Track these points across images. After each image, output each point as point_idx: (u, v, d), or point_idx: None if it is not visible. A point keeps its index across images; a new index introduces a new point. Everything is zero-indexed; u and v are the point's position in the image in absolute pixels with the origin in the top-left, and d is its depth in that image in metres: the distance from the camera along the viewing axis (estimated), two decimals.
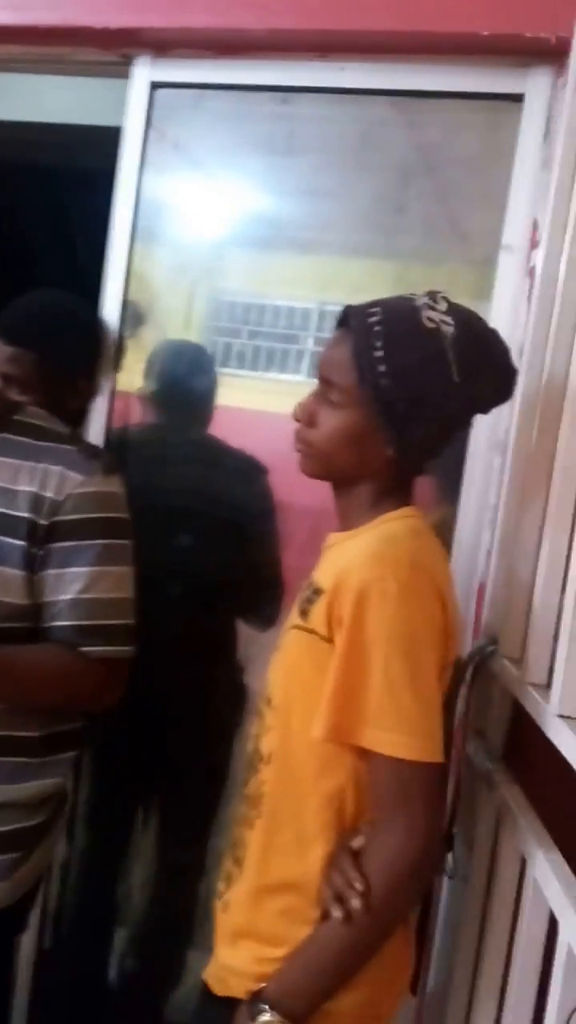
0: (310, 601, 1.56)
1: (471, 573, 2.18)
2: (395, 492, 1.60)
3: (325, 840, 1.52)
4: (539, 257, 1.97)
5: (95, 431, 2.53)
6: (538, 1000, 1.59)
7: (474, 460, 2.21)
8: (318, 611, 1.52)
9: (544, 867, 1.56)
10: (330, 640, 1.50)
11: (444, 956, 2.03)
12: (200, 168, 2.54)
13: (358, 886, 1.42)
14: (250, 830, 1.61)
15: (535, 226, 2.12)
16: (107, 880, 2.71)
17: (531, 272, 2.09)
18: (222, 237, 2.55)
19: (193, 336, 2.60)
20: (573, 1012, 1.38)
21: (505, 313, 2.16)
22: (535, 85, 2.17)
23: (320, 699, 1.46)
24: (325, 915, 1.46)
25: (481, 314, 1.61)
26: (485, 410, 1.64)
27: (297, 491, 2.36)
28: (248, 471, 2.49)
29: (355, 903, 1.42)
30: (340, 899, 1.44)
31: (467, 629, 2.06)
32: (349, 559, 1.50)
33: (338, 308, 1.62)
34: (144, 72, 2.48)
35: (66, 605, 1.84)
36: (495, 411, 1.67)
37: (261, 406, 2.51)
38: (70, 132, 3.19)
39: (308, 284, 2.51)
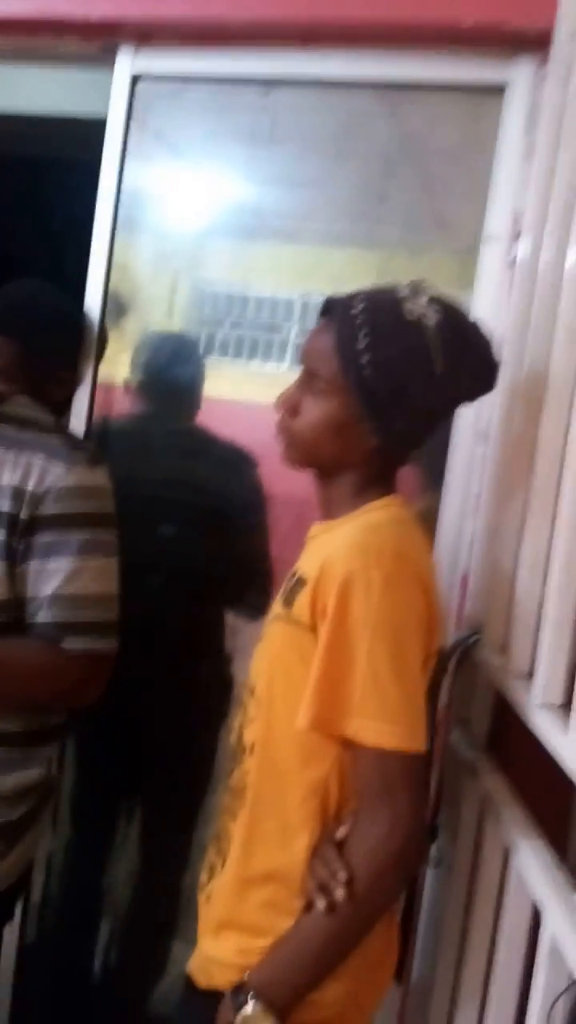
0: (294, 591, 1.55)
1: (455, 563, 2.18)
2: (378, 482, 1.60)
3: (309, 831, 1.52)
4: (521, 247, 1.97)
5: (77, 422, 2.52)
6: (522, 989, 1.60)
7: (457, 450, 2.20)
8: (302, 601, 1.52)
9: (528, 857, 1.56)
10: (314, 630, 1.49)
11: (428, 946, 2.03)
12: (183, 158, 2.53)
13: (342, 876, 1.42)
14: (233, 821, 1.61)
15: (517, 216, 2.12)
16: (91, 872, 2.70)
17: (513, 262, 2.09)
18: (205, 227, 2.55)
19: (176, 326, 2.60)
20: (556, 1001, 1.38)
21: (487, 303, 2.17)
22: (517, 75, 2.17)
23: (304, 689, 1.46)
24: (309, 906, 1.46)
25: (463, 304, 1.62)
26: (468, 401, 1.64)
27: (280, 481, 2.36)
28: (237, 462, 2.49)
29: (339, 893, 1.41)
30: (324, 889, 1.44)
31: (451, 619, 2.06)
32: (333, 549, 1.50)
33: (321, 298, 1.62)
34: (126, 63, 2.47)
35: (47, 599, 1.82)
36: (478, 401, 1.67)
37: (244, 396, 2.51)
38: (52, 123, 3.17)
39: (291, 274, 2.50)
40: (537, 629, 1.60)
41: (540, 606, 1.61)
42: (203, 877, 1.70)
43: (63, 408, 2.49)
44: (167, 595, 2.54)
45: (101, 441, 2.53)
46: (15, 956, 2.63)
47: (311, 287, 2.45)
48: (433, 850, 1.91)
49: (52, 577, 1.82)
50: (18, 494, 1.81)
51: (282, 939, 1.49)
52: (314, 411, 1.56)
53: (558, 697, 1.50)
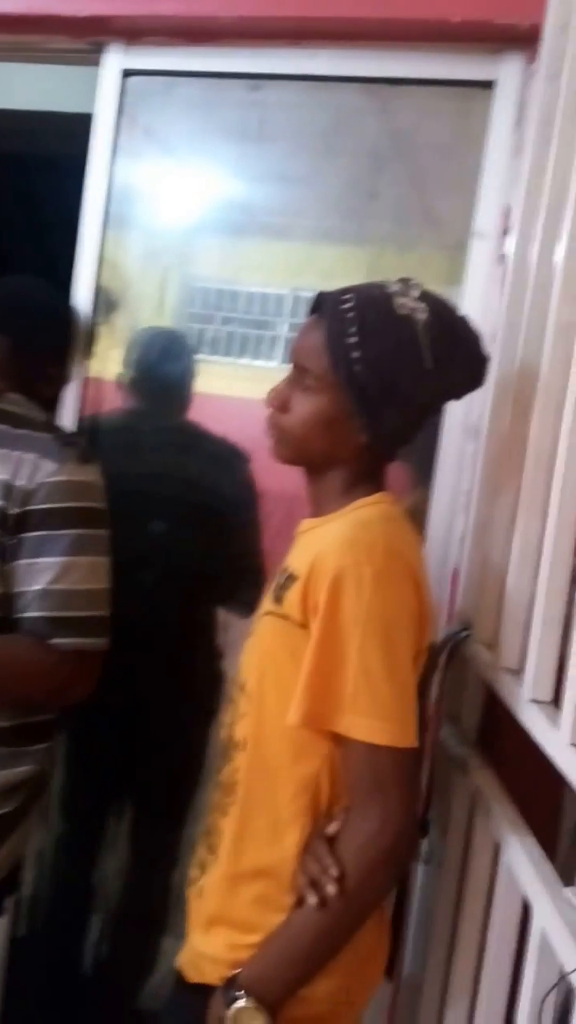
0: (284, 587, 1.55)
1: (445, 558, 2.18)
2: (368, 478, 1.60)
3: (300, 827, 1.52)
4: (511, 243, 1.98)
5: (67, 418, 2.51)
6: (512, 984, 1.60)
7: (447, 446, 2.21)
8: (292, 597, 1.52)
9: (518, 852, 1.57)
10: (304, 626, 1.49)
11: (419, 941, 2.04)
12: (172, 155, 2.53)
13: (333, 872, 1.42)
14: (224, 817, 1.61)
15: (506, 212, 2.13)
16: (81, 868, 2.70)
17: (502, 258, 2.09)
18: (194, 223, 2.55)
19: (166, 322, 2.60)
20: (546, 995, 1.39)
21: (477, 299, 2.17)
22: (506, 72, 2.17)
23: (294, 685, 1.46)
24: (300, 901, 1.46)
25: (453, 300, 1.62)
26: (458, 397, 1.65)
27: (271, 477, 2.36)
28: (228, 458, 2.48)
29: (330, 889, 1.42)
30: (315, 885, 1.44)
31: (441, 614, 2.07)
32: (323, 545, 1.50)
33: (311, 294, 1.62)
34: (115, 60, 2.47)
35: (36, 595, 1.82)
36: (468, 397, 1.67)
37: (234, 392, 2.51)
38: (41, 119, 3.17)
39: (280, 270, 2.50)
40: (527, 625, 1.60)
41: (530, 602, 1.61)
42: (193, 873, 1.70)
43: (52, 405, 2.49)
44: (158, 591, 2.54)
45: (91, 437, 2.52)
46: (5, 951, 2.63)
47: (301, 283, 2.45)
48: (424, 845, 1.91)
49: (42, 573, 1.81)
50: (8, 490, 1.80)
51: (273, 935, 1.49)
52: (304, 407, 1.56)
53: (547, 693, 1.50)
